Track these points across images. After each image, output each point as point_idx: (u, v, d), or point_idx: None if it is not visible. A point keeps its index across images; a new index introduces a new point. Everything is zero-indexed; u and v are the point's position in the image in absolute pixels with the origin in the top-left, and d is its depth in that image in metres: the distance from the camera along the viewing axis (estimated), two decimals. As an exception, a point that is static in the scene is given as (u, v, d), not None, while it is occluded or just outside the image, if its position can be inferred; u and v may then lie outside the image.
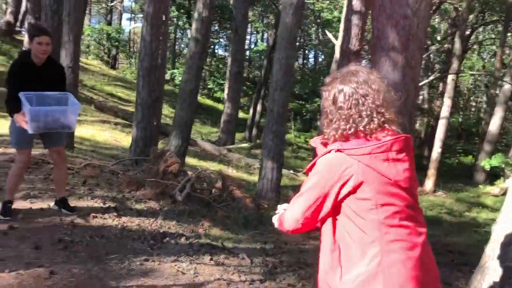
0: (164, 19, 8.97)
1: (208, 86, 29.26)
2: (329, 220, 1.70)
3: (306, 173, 1.71)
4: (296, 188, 9.78)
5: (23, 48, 4.13)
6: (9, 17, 20.73)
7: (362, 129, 1.62)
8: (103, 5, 36.94)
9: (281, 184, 7.56)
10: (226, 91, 17.24)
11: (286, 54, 6.71)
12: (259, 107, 22.40)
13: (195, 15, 8.38)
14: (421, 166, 16.10)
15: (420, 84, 11.18)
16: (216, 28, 24.96)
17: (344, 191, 1.60)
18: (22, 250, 3.63)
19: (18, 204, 4.51)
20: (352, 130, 1.63)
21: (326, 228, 1.71)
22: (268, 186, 6.88)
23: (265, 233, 5.23)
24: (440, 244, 6.06)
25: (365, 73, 1.68)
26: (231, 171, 10.82)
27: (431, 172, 14.40)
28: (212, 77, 28.45)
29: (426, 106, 23.35)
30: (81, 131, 11.08)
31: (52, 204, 4.63)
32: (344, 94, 1.65)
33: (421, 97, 21.81)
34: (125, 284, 3.33)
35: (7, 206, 4.22)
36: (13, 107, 3.95)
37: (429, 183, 14.31)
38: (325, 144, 1.72)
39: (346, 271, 1.64)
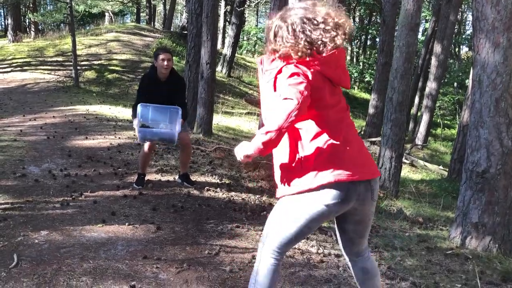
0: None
1: (366, 79, 28.93)
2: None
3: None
4: (417, 182, 9.28)
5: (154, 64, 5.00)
6: (184, 22, 23.64)
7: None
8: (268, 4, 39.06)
9: (404, 175, 7.41)
10: (373, 82, 17.01)
11: (406, 41, 6.60)
12: (416, 100, 21.47)
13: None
14: None
15: None
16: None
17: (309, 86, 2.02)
18: (143, 210, 4.51)
19: (151, 176, 5.51)
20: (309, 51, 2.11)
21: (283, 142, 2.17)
22: (385, 175, 6.85)
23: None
24: None
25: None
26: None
27: None
28: (370, 70, 28.04)
29: None
30: (229, 122, 12.30)
31: (176, 177, 5.51)
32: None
33: None
34: (212, 242, 3.92)
35: (140, 178, 5.20)
36: (133, 115, 4.84)
37: None
38: (272, 60, 2.16)
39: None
